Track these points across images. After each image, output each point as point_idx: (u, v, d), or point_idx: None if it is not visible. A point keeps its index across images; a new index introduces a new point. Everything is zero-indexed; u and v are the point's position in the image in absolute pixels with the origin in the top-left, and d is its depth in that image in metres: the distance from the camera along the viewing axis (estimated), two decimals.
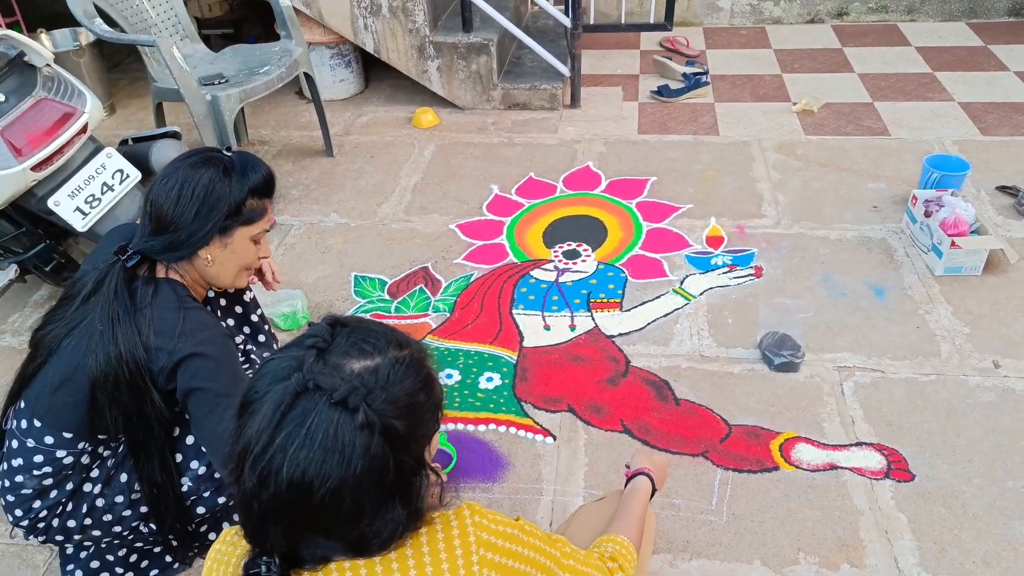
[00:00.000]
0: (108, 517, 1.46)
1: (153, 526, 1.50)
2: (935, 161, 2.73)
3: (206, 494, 1.51)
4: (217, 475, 1.51)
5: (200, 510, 1.52)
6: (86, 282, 1.39)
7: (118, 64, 4.46)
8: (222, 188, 1.38)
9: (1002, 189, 2.84)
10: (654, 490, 1.37)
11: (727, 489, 1.78)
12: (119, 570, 1.60)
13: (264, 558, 0.78)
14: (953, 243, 2.34)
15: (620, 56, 4.25)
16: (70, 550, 1.61)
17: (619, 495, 1.40)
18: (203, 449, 1.48)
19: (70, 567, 1.61)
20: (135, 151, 2.23)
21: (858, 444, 1.87)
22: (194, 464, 1.48)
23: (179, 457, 1.47)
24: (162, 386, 1.37)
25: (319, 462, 0.73)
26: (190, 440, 1.48)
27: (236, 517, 1.31)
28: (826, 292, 2.38)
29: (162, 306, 1.37)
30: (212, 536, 1.66)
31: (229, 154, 1.43)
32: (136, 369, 1.33)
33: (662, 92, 3.73)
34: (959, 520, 1.68)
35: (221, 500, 1.53)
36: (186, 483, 1.48)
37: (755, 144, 3.27)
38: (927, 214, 2.49)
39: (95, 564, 1.60)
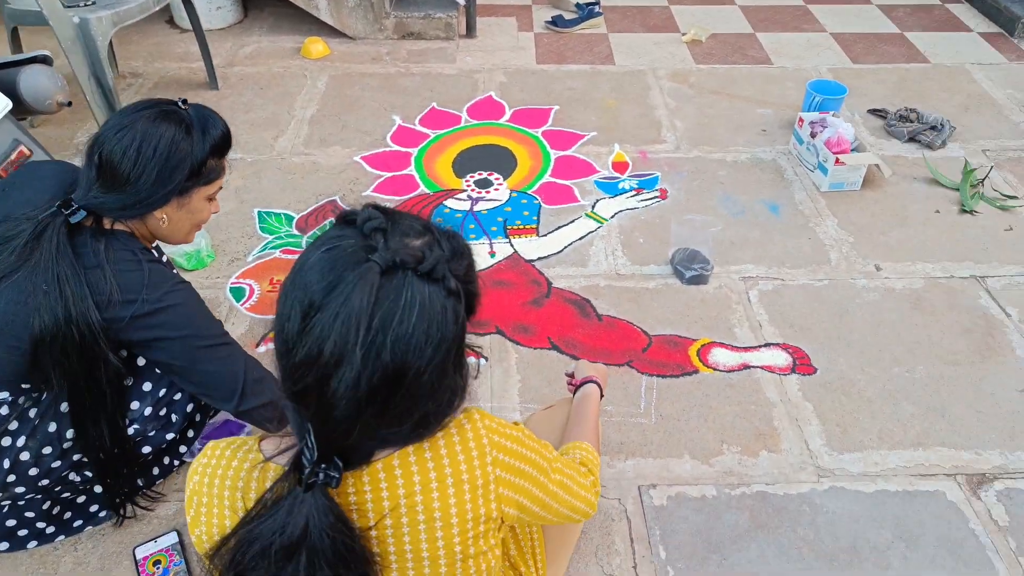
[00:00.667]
0: (34, 471, 1.36)
1: (88, 474, 1.42)
2: (816, 85, 2.90)
3: (151, 433, 1.47)
4: (163, 413, 1.45)
5: (146, 449, 1.47)
6: (18, 231, 1.27)
7: None
8: (184, 147, 1.30)
9: (873, 112, 3.07)
10: (601, 395, 1.43)
11: (653, 393, 1.88)
12: (40, 524, 1.50)
13: (323, 465, 0.77)
14: (838, 160, 2.53)
15: None
16: None
17: (568, 403, 1.45)
18: (146, 390, 1.41)
19: None
20: (1, 78, 1.98)
21: (766, 345, 2.02)
22: (135, 405, 1.42)
23: (136, 404, 1.42)
24: (122, 336, 1.31)
25: (421, 333, 0.73)
26: (129, 382, 1.41)
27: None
28: (727, 210, 2.52)
29: (121, 263, 1.30)
30: (155, 471, 1.59)
31: (186, 108, 1.34)
32: (88, 331, 1.26)
33: (556, 23, 3.73)
34: (856, 405, 1.86)
35: (169, 436, 1.49)
36: (131, 427, 1.42)
37: (650, 73, 3.35)
38: (813, 135, 2.66)
39: (11, 522, 1.49)
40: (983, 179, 2.64)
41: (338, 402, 0.73)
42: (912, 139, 2.89)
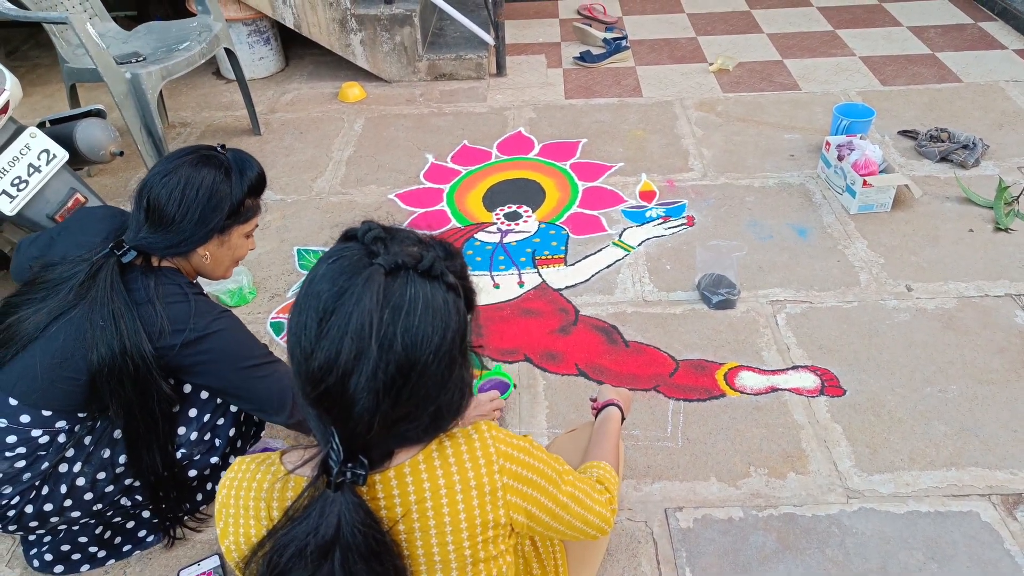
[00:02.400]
0: (89, 495, 1.46)
1: (139, 498, 1.51)
2: (844, 109, 2.92)
3: (197, 457, 1.56)
4: (207, 438, 1.54)
5: (192, 473, 1.56)
6: (74, 271, 1.39)
7: (15, 51, 4.23)
8: (224, 189, 1.41)
9: (903, 133, 3.07)
10: (623, 418, 1.46)
11: (680, 417, 1.89)
12: (92, 548, 1.59)
13: (349, 464, 0.82)
14: (865, 182, 2.53)
15: (540, 25, 4.31)
16: (35, 536, 1.58)
17: (590, 427, 1.48)
18: (192, 416, 1.51)
19: (35, 550, 1.58)
20: (59, 131, 2.14)
21: (794, 367, 2.02)
22: (182, 430, 1.51)
23: (182, 430, 1.51)
24: (173, 362, 1.41)
25: (427, 324, 0.80)
26: (193, 413, 1.52)
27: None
28: (754, 235, 2.54)
29: (169, 296, 1.40)
30: (199, 496, 1.67)
31: (224, 152, 1.46)
32: (142, 362, 1.36)
33: (584, 58, 3.82)
34: (887, 425, 1.85)
35: (213, 460, 1.58)
36: (179, 451, 1.52)
37: (677, 103, 3.40)
38: (840, 158, 2.67)
39: (65, 547, 1.58)
40: (1018, 196, 2.61)
41: (358, 397, 0.79)
42: (944, 159, 2.87)
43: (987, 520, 1.62)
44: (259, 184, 1.49)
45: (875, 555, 1.56)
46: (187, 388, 1.52)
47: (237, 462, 0.96)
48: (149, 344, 1.36)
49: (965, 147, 2.86)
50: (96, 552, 1.61)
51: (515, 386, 2.00)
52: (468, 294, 0.88)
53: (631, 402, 1.56)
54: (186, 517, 1.66)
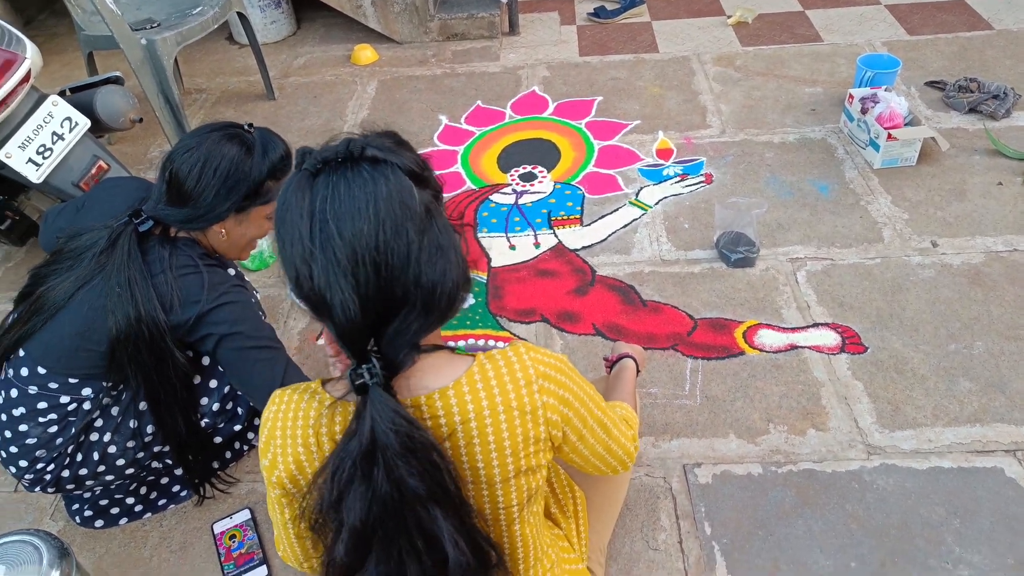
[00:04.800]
0: (121, 461, 1.50)
1: (169, 461, 1.55)
2: (868, 60, 2.83)
3: (221, 425, 1.59)
4: (228, 407, 1.57)
5: (218, 439, 1.61)
6: (96, 239, 1.40)
7: (31, 20, 4.22)
8: (244, 168, 1.40)
9: (931, 84, 2.98)
10: (638, 370, 1.46)
11: (698, 376, 1.89)
12: (130, 500, 1.66)
13: (364, 365, 0.84)
14: (890, 135, 2.47)
15: None
16: (77, 493, 1.63)
17: (604, 381, 1.48)
18: (212, 387, 1.54)
19: (76, 506, 1.65)
20: (79, 99, 2.14)
21: (814, 325, 2.00)
22: (205, 401, 1.54)
23: (204, 400, 1.54)
24: (187, 337, 1.42)
25: (359, 203, 0.82)
26: (197, 379, 1.53)
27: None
28: (774, 192, 2.49)
29: (182, 268, 1.40)
30: (228, 455, 1.73)
31: (251, 131, 1.45)
32: (156, 330, 1.37)
33: (599, 14, 3.74)
34: (909, 382, 1.83)
35: (236, 427, 1.62)
36: (203, 420, 1.54)
37: (694, 59, 3.33)
38: (863, 111, 2.60)
39: (104, 501, 1.64)
40: None
41: (329, 293, 0.82)
42: (973, 110, 2.79)
43: (1012, 476, 1.60)
44: (283, 166, 1.46)
45: (896, 510, 1.55)
46: (205, 360, 1.53)
47: (276, 394, 0.97)
48: (163, 314, 1.36)
49: (995, 97, 2.77)
50: (133, 506, 1.67)
51: None
52: (406, 168, 0.86)
53: (646, 359, 1.55)
54: (215, 478, 1.69)
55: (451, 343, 2.04)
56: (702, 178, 2.59)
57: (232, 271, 1.79)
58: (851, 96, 2.68)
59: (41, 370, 1.41)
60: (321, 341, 2.09)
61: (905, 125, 2.53)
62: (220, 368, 1.54)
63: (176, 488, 1.69)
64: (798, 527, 1.54)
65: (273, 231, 0.87)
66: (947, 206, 2.37)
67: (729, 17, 3.61)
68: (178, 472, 1.66)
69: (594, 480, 1.38)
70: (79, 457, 1.47)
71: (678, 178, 2.60)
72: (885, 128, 2.48)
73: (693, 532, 1.55)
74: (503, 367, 0.93)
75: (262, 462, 0.97)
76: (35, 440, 1.44)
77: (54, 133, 2.03)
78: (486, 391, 0.91)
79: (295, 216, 0.83)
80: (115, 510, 1.66)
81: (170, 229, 1.44)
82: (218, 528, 1.64)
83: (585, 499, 1.35)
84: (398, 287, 0.83)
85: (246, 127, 1.45)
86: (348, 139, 0.86)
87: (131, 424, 1.48)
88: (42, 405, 1.43)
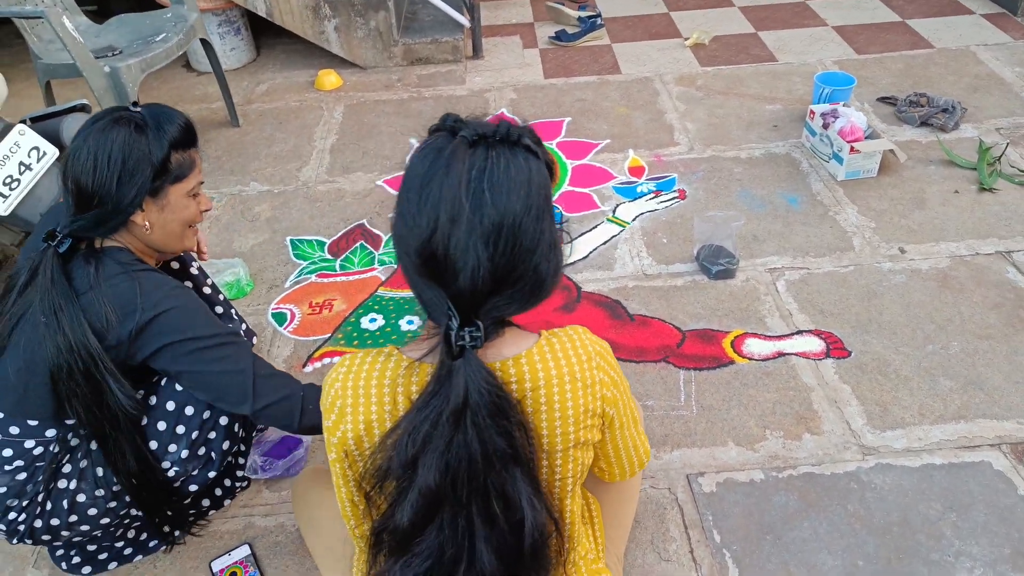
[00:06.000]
0: (93, 511, 1.40)
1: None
2: (824, 78, 2.95)
3: (195, 472, 1.48)
4: (201, 453, 1.47)
5: (192, 487, 1.49)
6: (21, 273, 1.31)
7: None
8: (140, 148, 1.28)
9: (882, 100, 3.12)
10: None
11: (692, 386, 1.91)
12: (119, 544, 1.56)
13: (468, 328, 0.88)
14: (852, 148, 2.57)
15: (512, 7, 4.28)
16: (56, 544, 1.54)
17: None
18: (180, 433, 1.43)
19: (61, 552, 1.55)
20: (45, 128, 2.06)
21: (799, 332, 2.05)
22: (172, 448, 1.42)
23: (154, 445, 1.41)
24: (128, 356, 1.31)
25: (512, 180, 0.87)
26: (162, 426, 1.42)
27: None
28: (746, 205, 2.56)
29: (110, 279, 1.29)
30: (205, 502, 1.63)
31: (138, 110, 1.32)
32: (89, 358, 1.26)
33: (560, 37, 3.81)
34: (894, 384, 1.89)
35: (211, 474, 1.50)
36: (171, 469, 1.43)
37: (657, 79, 3.41)
38: (825, 126, 2.71)
39: (91, 547, 1.55)
40: (999, 156, 2.67)
41: (461, 256, 0.86)
42: (924, 123, 2.92)
43: (999, 469, 1.66)
44: (183, 136, 1.33)
45: (895, 508, 1.60)
46: (153, 400, 1.42)
47: (349, 357, 1.01)
48: (94, 338, 1.26)
49: (944, 111, 2.91)
50: (122, 549, 1.58)
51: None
52: (544, 158, 0.94)
53: None
54: (193, 524, 1.61)
55: None
56: (675, 194, 2.64)
57: (195, 267, 1.68)
58: (812, 112, 2.78)
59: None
60: (309, 368, 2.05)
61: (865, 138, 2.64)
62: (186, 404, 1.42)
63: (168, 529, 1.59)
64: (804, 530, 1.57)
65: (403, 186, 0.90)
66: (910, 214, 2.47)
67: (686, 39, 3.72)
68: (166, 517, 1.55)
69: (606, 488, 1.38)
70: (49, 506, 1.37)
71: (652, 194, 2.65)
72: (847, 142, 2.58)
73: (703, 541, 1.56)
74: (567, 342, 1.01)
75: (324, 423, 1.00)
76: (4, 489, 1.35)
77: (21, 163, 1.95)
78: (554, 361, 0.98)
79: (447, 175, 0.86)
80: (103, 555, 1.56)
81: (95, 242, 1.33)
82: (217, 566, 1.57)
83: (600, 507, 1.36)
84: (520, 267, 0.89)
85: (131, 107, 1.32)
86: (506, 123, 0.92)
87: (98, 472, 1.37)
88: (7, 452, 1.34)
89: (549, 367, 0.97)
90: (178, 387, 1.42)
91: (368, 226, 2.58)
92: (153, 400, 1.42)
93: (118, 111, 1.31)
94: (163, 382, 1.43)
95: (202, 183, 1.42)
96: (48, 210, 1.54)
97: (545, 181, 0.92)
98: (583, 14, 3.92)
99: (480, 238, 0.86)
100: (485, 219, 0.86)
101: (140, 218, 1.33)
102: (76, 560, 1.54)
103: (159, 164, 1.30)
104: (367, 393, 0.97)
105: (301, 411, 1.41)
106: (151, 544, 1.59)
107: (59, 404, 1.31)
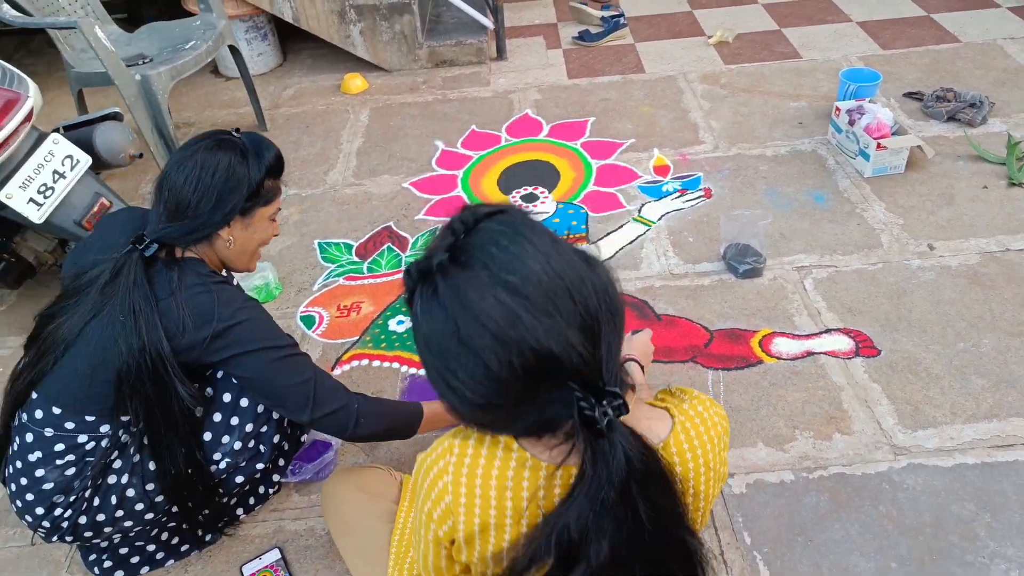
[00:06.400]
0: (140, 506, 1.45)
1: (191, 504, 1.50)
2: (850, 74, 2.93)
3: (243, 464, 1.54)
4: (251, 445, 1.52)
5: (239, 479, 1.55)
6: (100, 272, 1.38)
7: (7, 60, 4.16)
8: (241, 171, 1.40)
9: (908, 95, 3.08)
10: (643, 368, 1.46)
11: (720, 386, 1.91)
12: (151, 548, 1.60)
13: (605, 400, 0.79)
14: (879, 145, 2.55)
15: (535, 7, 4.29)
16: (96, 541, 1.58)
17: None
18: (234, 424, 1.49)
19: (93, 556, 1.58)
20: (78, 136, 2.11)
21: (827, 331, 2.05)
22: (225, 439, 1.49)
23: (208, 436, 1.48)
24: (204, 358, 1.38)
25: (525, 248, 0.80)
26: (217, 417, 1.49)
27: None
28: (772, 203, 2.55)
29: (191, 288, 1.38)
30: (239, 511, 1.67)
31: (239, 136, 1.44)
32: (159, 360, 1.34)
33: (583, 37, 3.81)
34: (924, 382, 1.88)
35: (259, 466, 1.56)
36: (223, 460, 1.50)
37: (680, 78, 3.40)
38: (851, 123, 2.69)
39: (124, 550, 1.59)
40: None
41: (561, 341, 0.77)
42: (951, 118, 2.89)
43: None
44: (277, 165, 1.48)
45: (928, 509, 1.59)
46: (209, 391, 1.49)
47: (459, 444, 0.92)
48: (167, 343, 1.34)
49: (972, 105, 2.88)
50: (155, 553, 1.61)
51: None
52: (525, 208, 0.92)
53: (650, 348, 1.54)
54: (223, 523, 1.65)
55: None
56: (701, 192, 2.64)
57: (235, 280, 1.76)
58: (838, 109, 2.76)
59: (56, 410, 1.38)
60: (338, 371, 2.08)
61: (892, 134, 2.62)
62: (241, 396, 1.50)
63: (200, 532, 1.63)
64: (835, 531, 1.57)
65: (429, 349, 0.82)
66: (938, 210, 2.45)
67: (710, 37, 3.71)
68: (200, 518, 1.59)
69: None
70: (96, 502, 1.42)
71: (678, 193, 2.65)
72: (874, 138, 2.57)
73: (733, 543, 1.56)
74: (700, 426, 0.95)
75: (423, 507, 0.94)
76: (52, 485, 1.40)
77: (55, 172, 2.00)
78: (691, 452, 0.93)
79: (470, 297, 0.77)
80: (135, 559, 1.60)
81: (175, 251, 1.43)
82: (247, 570, 1.60)
83: None
84: (590, 301, 0.80)
85: (233, 133, 1.45)
86: (456, 218, 0.83)
87: (150, 466, 1.44)
88: (59, 447, 1.39)
89: (694, 456, 0.92)
90: (234, 380, 1.49)
91: (395, 228, 2.61)
92: (210, 392, 1.50)
93: (222, 135, 1.44)
94: (219, 375, 1.50)
95: (280, 209, 1.54)
96: (110, 215, 1.60)
97: (528, 218, 0.85)
98: (606, 14, 3.92)
99: (549, 318, 0.77)
100: (534, 304, 0.77)
101: (226, 233, 1.44)
102: (108, 564, 1.58)
103: (254, 187, 1.42)
104: (484, 495, 0.88)
105: (355, 423, 1.48)
106: (183, 549, 1.63)
107: (119, 401, 1.37)
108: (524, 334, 0.76)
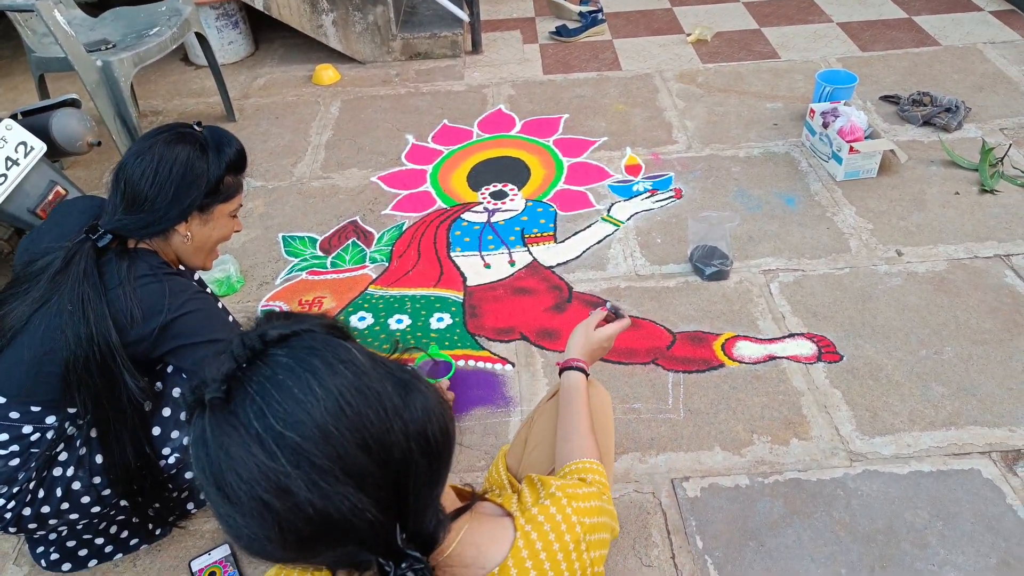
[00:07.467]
0: (87, 499, 1.42)
1: (140, 499, 1.47)
2: (826, 76, 2.91)
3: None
4: None
5: (188, 475, 1.52)
6: (51, 260, 1.34)
7: None
8: (200, 166, 1.36)
9: (885, 98, 3.07)
10: (586, 373, 1.30)
11: (680, 389, 1.89)
12: (99, 541, 1.57)
13: (404, 563, 0.69)
14: (851, 148, 2.53)
15: (512, 1, 4.25)
16: (39, 535, 1.54)
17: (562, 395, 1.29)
18: (181, 417, 1.47)
19: (41, 549, 1.55)
20: (33, 123, 2.05)
21: (790, 335, 2.03)
22: (175, 435, 1.46)
23: (157, 431, 1.45)
24: (152, 352, 1.36)
25: (308, 391, 0.67)
26: (166, 412, 1.46)
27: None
28: (743, 205, 2.53)
29: (140, 279, 1.35)
30: (190, 505, 1.63)
31: (200, 129, 1.40)
32: (107, 350, 1.31)
33: (561, 32, 3.77)
34: (885, 389, 1.86)
35: None
36: (172, 456, 1.47)
37: (657, 76, 3.37)
38: (825, 125, 2.67)
39: (71, 543, 1.55)
40: (1002, 158, 2.62)
41: (344, 506, 0.66)
42: (927, 123, 2.88)
43: (988, 477, 1.64)
44: (238, 160, 1.43)
45: (881, 515, 1.57)
46: (159, 386, 1.46)
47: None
48: (115, 334, 1.31)
49: (948, 110, 2.87)
50: (103, 546, 1.58)
51: (455, 368, 1.98)
52: (331, 323, 0.76)
53: (606, 349, 1.38)
54: (182, 518, 1.62)
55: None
56: (672, 193, 2.61)
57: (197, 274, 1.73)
58: (812, 111, 2.74)
59: (1, 399, 1.34)
60: None
61: (865, 138, 2.60)
62: (182, 385, 1.46)
63: (150, 526, 1.61)
64: (788, 536, 1.55)
65: (209, 498, 0.68)
66: (909, 216, 2.44)
67: (688, 35, 3.68)
68: (150, 512, 1.57)
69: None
70: (41, 494, 1.39)
71: (648, 193, 2.62)
72: (847, 141, 2.55)
73: (685, 547, 1.54)
74: (550, 532, 0.85)
75: None
76: None
77: (8, 158, 1.94)
78: (536, 568, 0.82)
79: (233, 453, 0.64)
80: (83, 552, 1.57)
81: (128, 241, 1.39)
82: (196, 566, 1.57)
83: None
84: (395, 451, 0.68)
85: (195, 125, 1.41)
86: (241, 338, 0.71)
87: (97, 459, 1.40)
88: (3, 437, 1.36)
89: (540, 573, 0.82)
90: (184, 376, 1.46)
91: (360, 223, 2.57)
92: (159, 386, 1.46)
93: (184, 127, 1.39)
94: (169, 370, 1.47)
95: (241, 206, 1.50)
96: (66, 202, 1.55)
97: (329, 344, 0.70)
98: (585, 9, 3.89)
99: (328, 478, 0.64)
100: (313, 458, 0.64)
101: (183, 229, 1.40)
102: (55, 557, 1.55)
103: (214, 183, 1.38)
104: None
105: None
106: (132, 542, 1.60)
107: (66, 392, 1.33)
108: (297, 503, 0.63)
